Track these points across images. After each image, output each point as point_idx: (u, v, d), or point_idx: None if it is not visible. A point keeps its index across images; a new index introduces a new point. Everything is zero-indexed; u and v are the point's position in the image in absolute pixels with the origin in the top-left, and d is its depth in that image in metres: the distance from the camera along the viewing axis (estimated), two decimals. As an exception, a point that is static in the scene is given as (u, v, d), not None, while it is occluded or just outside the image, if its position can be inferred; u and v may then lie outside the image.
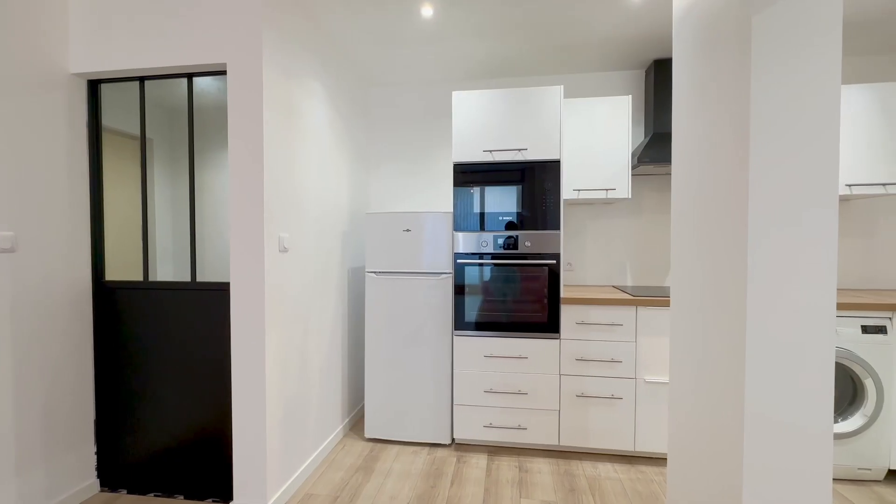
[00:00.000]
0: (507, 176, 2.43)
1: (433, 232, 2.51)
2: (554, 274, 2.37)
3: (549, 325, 2.38)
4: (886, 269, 2.68)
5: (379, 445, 2.54)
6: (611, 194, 2.55)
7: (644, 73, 2.88)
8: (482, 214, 2.46)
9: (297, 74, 2.11)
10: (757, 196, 1.15)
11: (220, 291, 1.94)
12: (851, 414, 2.14)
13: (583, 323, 2.35)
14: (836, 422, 2.15)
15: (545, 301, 2.38)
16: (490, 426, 2.44)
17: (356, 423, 2.85)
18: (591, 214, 2.97)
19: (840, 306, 2.09)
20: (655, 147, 2.50)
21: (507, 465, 2.31)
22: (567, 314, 2.37)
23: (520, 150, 2.40)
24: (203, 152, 3.05)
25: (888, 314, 2.10)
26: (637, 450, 2.33)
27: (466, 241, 2.46)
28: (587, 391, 2.35)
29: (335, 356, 2.58)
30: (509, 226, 2.43)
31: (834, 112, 1.11)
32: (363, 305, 3.02)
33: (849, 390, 2.16)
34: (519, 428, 2.41)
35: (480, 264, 2.45)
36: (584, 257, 2.98)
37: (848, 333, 2.11)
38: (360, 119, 3.04)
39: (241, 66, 1.81)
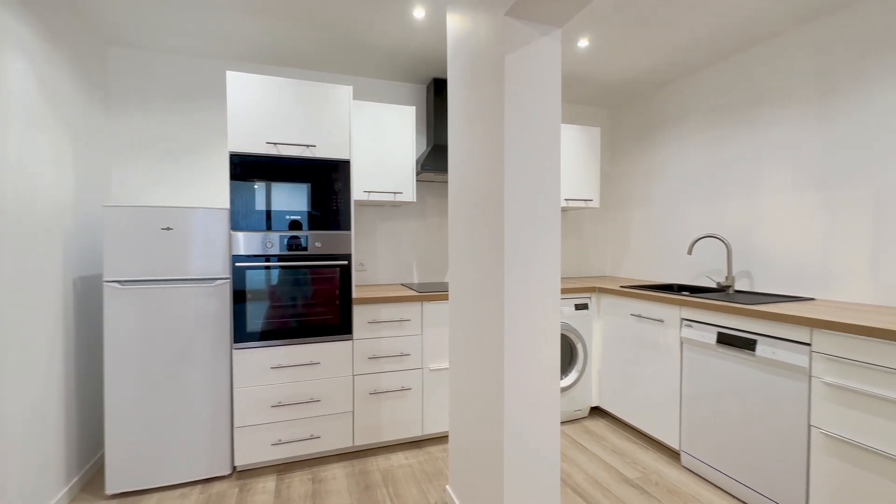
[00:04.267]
0: (294, 172, 2.28)
1: (205, 231, 2.14)
2: (346, 275, 2.36)
3: (341, 326, 2.35)
4: (588, 262, 3.70)
5: (130, 499, 2.01)
6: (398, 197, 2.70)
7: (426, 88, 3.16)
8: (268, 212, 2.24)
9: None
10: (510, 206, 1.40)
11: None
12: (570, 371, 2.86)
13: (374, 321, 2.41)
14: (561, 378, 2.84)
15: (337, 303, 2.34)
16: (279, 443, 2.24)
17: (92, 479, 2.18)
18: (380, 216, 3.08)
19: (561, 290, 2.78)
20: (435, 157, 2.78)
21: (299, 481, 2.17)
22: (359, 314, 2.39)
23: (308, 146, 2.28)
24: None
25: (589, 295, 2.90)
26: (425, 433, 2.54)
27: (248, 242, 2.20)
28: (380, 387, 2.43)
29: (52, 398, 1.91)
30: (297, 226, 2.28)
31: (556, 141, 1.45)
32: (101, 325, 2.34)
33: (567, 354, 2.89)
34: (312, 438, 2.30)
35: (266, 267, 2.23)
36: (375, 257, 3.07)
37: (566, 311, 2.81)
38: (92, 86, 2.34)
39: None
